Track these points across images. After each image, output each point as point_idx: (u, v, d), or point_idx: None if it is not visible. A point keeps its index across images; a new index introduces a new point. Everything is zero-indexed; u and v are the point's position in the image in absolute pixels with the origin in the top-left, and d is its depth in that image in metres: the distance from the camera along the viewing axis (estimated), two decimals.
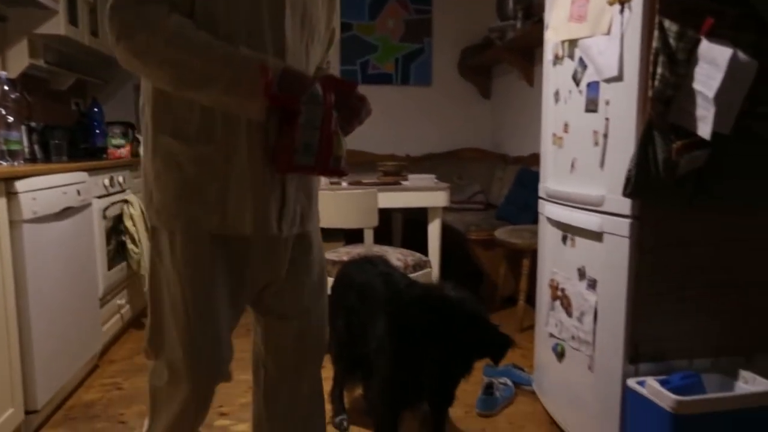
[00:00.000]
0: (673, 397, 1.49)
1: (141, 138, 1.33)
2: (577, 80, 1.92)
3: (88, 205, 2.55)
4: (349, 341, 1.94)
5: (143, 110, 1.25)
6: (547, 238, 2.17)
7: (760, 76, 1.49)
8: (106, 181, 2.80)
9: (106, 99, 4.17)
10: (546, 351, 2.16)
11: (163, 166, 1.21)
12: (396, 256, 2.72)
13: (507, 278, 3.56)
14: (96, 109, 3.65)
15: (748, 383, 1.60)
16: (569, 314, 1.98)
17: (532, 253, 2.80)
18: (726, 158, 1.54)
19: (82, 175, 2.47)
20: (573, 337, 1.95)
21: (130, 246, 3.00)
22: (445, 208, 3.11)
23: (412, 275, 2.58)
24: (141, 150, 1.31)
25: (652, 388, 1.57)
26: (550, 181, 2.17)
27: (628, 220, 1.66)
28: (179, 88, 1.14)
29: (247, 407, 2.30)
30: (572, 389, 1.97)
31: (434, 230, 3.05)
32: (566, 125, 2.02)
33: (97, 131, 3.59)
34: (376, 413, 1.79)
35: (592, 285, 1.84)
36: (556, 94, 2.10)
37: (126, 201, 3.01)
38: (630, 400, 1.66)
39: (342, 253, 2.77)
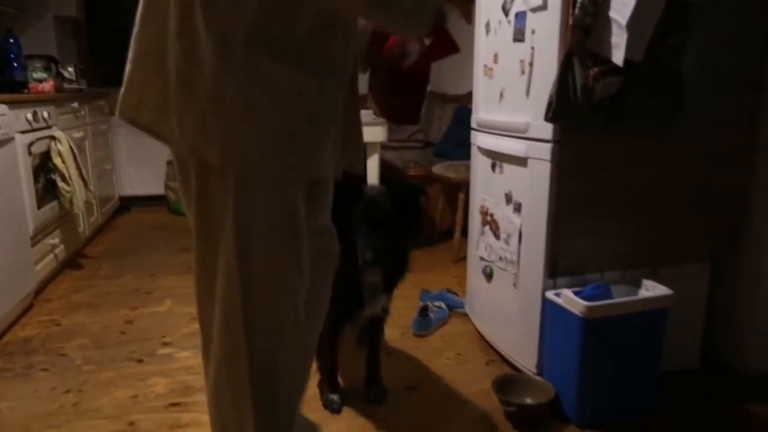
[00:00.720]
0: (583, 303, 1.65)
1: (206, 53, 0.97)
2: (506, 10, 1.97)
3: (11, 139, 2.44)
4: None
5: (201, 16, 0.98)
6: (478, 167, 2.28)
7: (670, 7, 1.59)
8: (29, 116, 2.68)
9: (22, 31, 3.89)
10: (477, 274, 2.30)
11: (261, 98, 1.00)
12: None
13: (445, 213, 3.69)
14: (12, 41, 3.42)
15: (650, 291, 1.79)
16: (497, 237, 2.11)
17: (468, 187, 2.91)
18: (636, 84, 1.65)
19: (0, 108, 2.35)
20: (500, 258, 2.09)
21: (61, 184, 2.90)
22: (385, 147, 3.16)
23: None
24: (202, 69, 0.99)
25: (566, 297, 1.73)
26: (481, 111, 2.25)
27: (549, 145, 1.76)
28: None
29: (189, 337, 2.36)
30: (499, 306, 2.12)
31: (373, 165, 3.10)
32: (496, 56, 2.09)
33: (15, 64, 3.37)
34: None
35: (518, 208, 1.96)
36: (487, 25, 2.15)
37: (53, 137, 2.89)
38: (548, 310, 1.82)
39: None
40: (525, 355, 1.97)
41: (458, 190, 3.27)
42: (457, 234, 3.32)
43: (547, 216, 1.80)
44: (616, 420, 1.73)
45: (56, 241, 2.94)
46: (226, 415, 1.23)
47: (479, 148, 2.25)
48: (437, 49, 1.25)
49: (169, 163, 4.42)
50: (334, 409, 1.82)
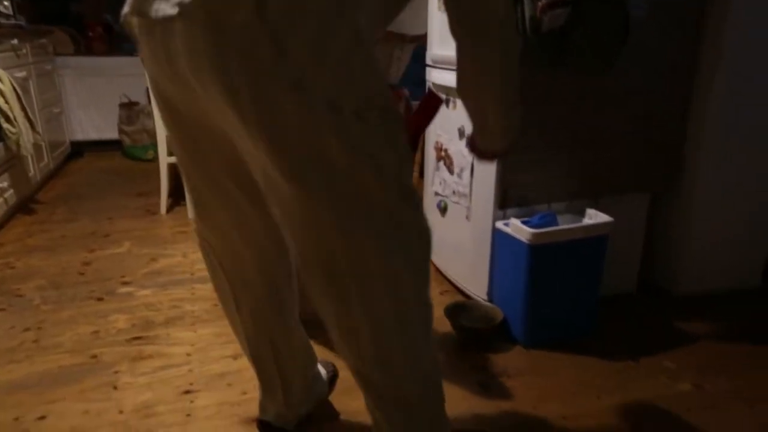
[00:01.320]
0: (529, 230, 1.74)
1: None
2: None
3: None
4: None
5: None
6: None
7: None
8: None
9: None
10: (432, 210, 2.37)
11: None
12: None
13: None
14: None
15: (592, 219, 1.89)
16: (451, 172, 2.17)
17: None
18: (582, 18, 1.69)
19: None
20: (454, 192, 2.16)
21: (6, 125, 2.80)
22: None
23: None
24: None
25: (514, 226, 1.81)
26: (435, 47, 2.26)
27: None
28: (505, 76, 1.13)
29: (149, 276, 2.38)
30: (453, 239, 2.20)
31: None
32: None
33: None
34: None
35: None
36: None
37: None
38: (497, 239, 1.91)
39: None
40: (476, 284, 2.07)
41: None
42: (416, 174, 3.38)
43: None
44: (559, 341, 1.86)
45: (5, 185, 2.87)
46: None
47: (433, 84, 2.28)
48: (429, 111, 1.34)
49: (121, 106, 4.28)
50: None
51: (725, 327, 1.97)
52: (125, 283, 2.32)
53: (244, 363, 1.74)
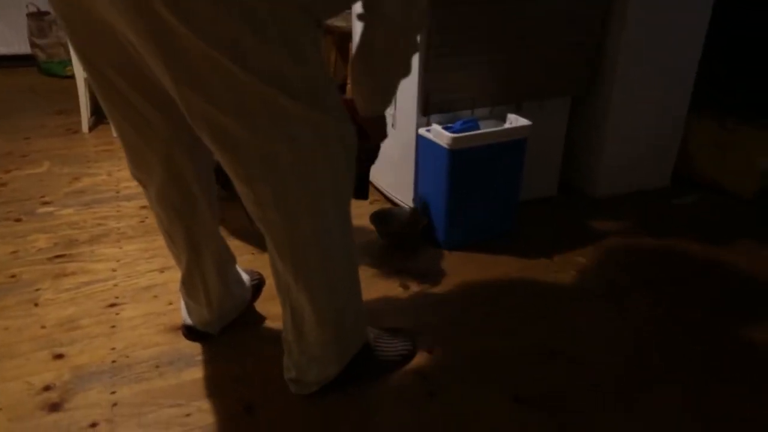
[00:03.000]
0: (449, 135, 1.76)
1: None
2: None
3: None
4: None
5: None
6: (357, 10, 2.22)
7: None
8: None
9: None
10: None
11: None
12: None
13: (338, 66, 3.62)
14: None
15: (512, 123, 1.93)
16: None
17: None
18: None
19: None
20: None
21: None
22: None
23: None
24: None
25: (435, 131, 1.83)
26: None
27: None
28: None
29: (72, 195, 2.30)
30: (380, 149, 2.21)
31: None
32: None
33: None
34: None
35: None
36: None
37: None
38: (420, 146, 1.93)
39: None
40: (403, 191, 2.11)
41: (349, 39, 3.20)
42: (349, 86, 3.31)
43: (419, 52, 1.83)
44: (480, 243, 1.94)
45: None
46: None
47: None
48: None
49: (30, 16, 3.93)
50: None
51: (634, 225, 2.10)
52: (45, 203, 2.24)
53: (171, 276, 1.76)
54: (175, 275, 1.59)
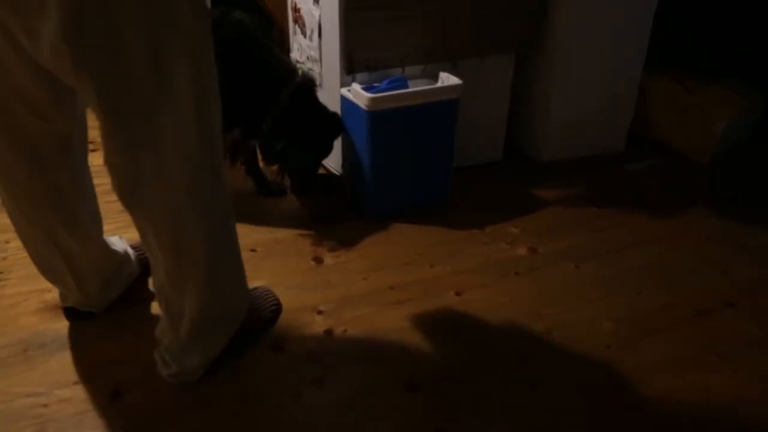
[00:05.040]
0: (367, 95, 1.61)
1: None
2: None
3: None
4: None
5: None
6: None
7: None
8: None
9: None
10: None
11: None
12: None
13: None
14: None
15: (444, 83, 1.77)
16: (304, 34, 1.96)
17: None
18: None
19: None
20: (308, 58, 1.97)
21: None
22: None
23: None
24: None
25: (354, 91, 1.67)
26: None
27: None
28: None
29: None
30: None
31: None
32: None
33: None
34: None
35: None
36: None
37: None
38: (343, 107, 1.77)
39: None
40: (332, 157, 1.96)
41: None
42: None
43: (339, 2, 1.66)
44: (409, 211, 1.80)
45: None
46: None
47: None
48: None
49: None
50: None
51: (578, 193, 1.96)
52: None
53: None
54: None
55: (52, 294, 1.45)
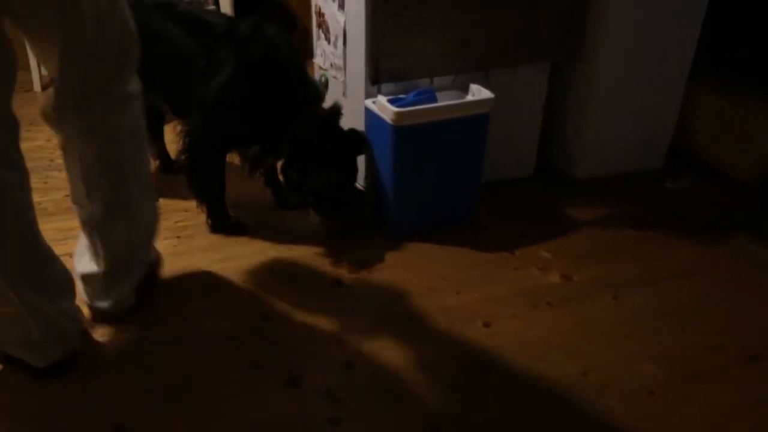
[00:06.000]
0: (393, 109, 1.52)
1: None
2: None
3: None
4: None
5: None
6: None
7: None
8: None
9: None
10: None
11: None
12: None
13: None
14: None
15: (474, 95, 1.66)
16: (328, 40, 1.87)
17: None
18: None
19: None
20: (332, 65, 1.88)
21: None
22: None
23: None
24: None
25: (380, 104, 1.58)
26: None
27: None
28: None
29: None
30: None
31: None
32: None
33: None
34: (199, 155, 1.62)
35: (342, 4, 1.71)
36: None
37: None
38: (367, 119, 1.68)
39: None
40: None
41: None
42: None
43: (366, 9, 1.57)
44: (433, 230, 1.70)
45: None
46: None
47: None
48: None
49: None
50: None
51: (614, 213, 1.84)
52: None
53: None
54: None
55: None
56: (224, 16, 1.70)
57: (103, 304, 1.33)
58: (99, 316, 1.34)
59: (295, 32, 3.54)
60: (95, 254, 1.28)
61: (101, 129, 1.17)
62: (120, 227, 1.27)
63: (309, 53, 3.28)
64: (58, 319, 1.18)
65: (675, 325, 1.38)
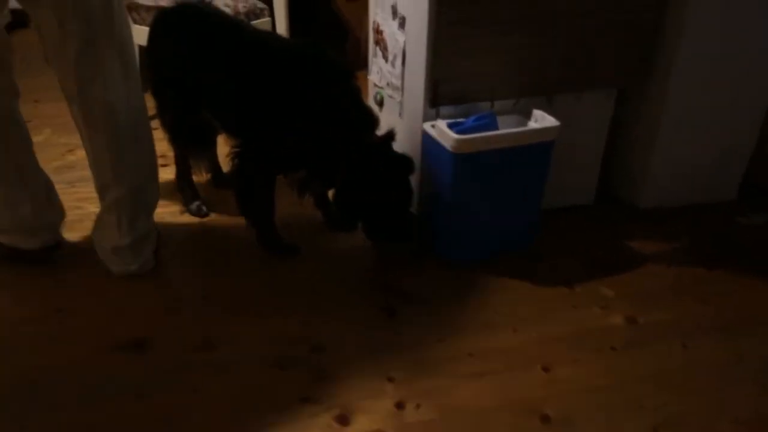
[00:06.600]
0: (453, 136, 1.46)
1: None
2: None
3: None
4: (187, 108, 1.71)
5: None
6: None
7: None
8: None
9: None
10: (370, 102, 2.06)
11: None
12: (223, 0, 2.37)
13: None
14: None
15: (537, 122, 1.59)
16: (386, 59, 1.83)
17: None
18: None
19: None
20: (388, 84, 1.84)
21: None
22: None
23: None
24: None
25: (439, 129, 1.52)
26: None
27: None
28: None
29: (59, 170, 2.15)
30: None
31: None
32: None
33: None
34: (248, 177, 1.61)
35: (402, 23, 1.66)
36: None
37: None
38: (425, 143, 1.63)
39: None
40: None
41: None
42: None
43: (428, 30, 1.51)
44: (490, 260, 1.64)
45: None
46: None
47: None
48: None
49: None
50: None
51: (682, 248, 1.74)
52: None
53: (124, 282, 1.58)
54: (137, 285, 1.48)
55: (112, 330, 1.40)
56: (284, 39, 1.68)
57: (133, 267, 1.56)
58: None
59: (346, 42, 3.52)
60: (119, 229, 1.52)
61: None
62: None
63: (360, 63, 3.27)
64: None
65: (753, 380, 1.28)
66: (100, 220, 1.57)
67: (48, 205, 1.62)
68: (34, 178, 1.58)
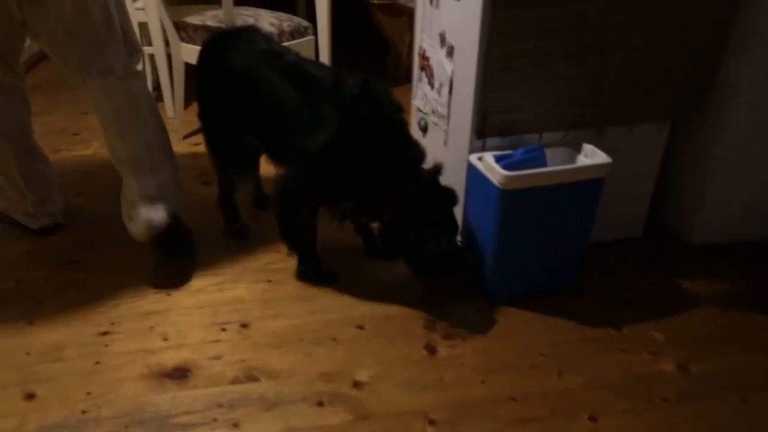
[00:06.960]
0: (501, 172, 1.43)
1: None
2: None
3: None
4: (231, 131, 1.73)
5: None
6: (419, 0, 1.89)
7: None
8: None
9: None
10: (414, 128, 2.04)
11: None
12: (268, 20, 2.38)
13: (412, 48, 3.28)
14: None
15: (588, 157, 1.55)
16: (431, 86, 1.81)
17: None
18: None
19: None
20: (433, 111, 1.82)
21: None
22: None
23: (289, 44, 2.31)
24: None
25: (485, 163, 1.49)
26: None
27: None
28: None
29: (105, 187, 2.20)
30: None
31: (323, 6, 2.65)
32: None
33: None
34: (293, 208, 1.62)
35: (451, 52, 1.64)
36: None
37: None
38: (470, 175, 1.60)
39: (206, 16, 2.41)
40: None
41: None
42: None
43: (477, 61, 1.49)
44: (533, 297, 1.60)
45: None
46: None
47: None
48: None
49: None
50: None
51: (738, 291, 1.66)
52: (78, 194, 2.15)
53: (176, 300, 1.59)
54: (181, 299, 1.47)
55: (156, 357, 1.42)
56: (331, 69, 1.67)
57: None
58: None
59: (387, 57, 3.52)
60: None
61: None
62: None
63: (400, 77, 3.25)
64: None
65: None
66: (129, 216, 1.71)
67: (50, 199, 1.88)
68: (31, 169, 1.83)
